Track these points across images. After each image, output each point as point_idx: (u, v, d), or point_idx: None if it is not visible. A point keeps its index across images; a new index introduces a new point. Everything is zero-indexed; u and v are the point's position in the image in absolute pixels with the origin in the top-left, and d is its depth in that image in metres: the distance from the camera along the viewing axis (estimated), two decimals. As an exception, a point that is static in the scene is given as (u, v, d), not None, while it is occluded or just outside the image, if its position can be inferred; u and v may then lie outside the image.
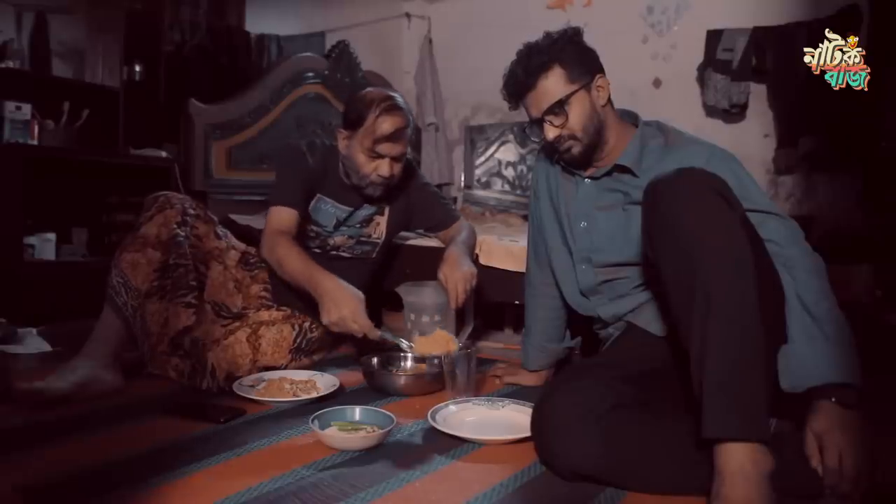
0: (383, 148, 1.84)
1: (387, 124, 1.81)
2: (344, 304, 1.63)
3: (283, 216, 1.86)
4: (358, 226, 2.04)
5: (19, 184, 2.73)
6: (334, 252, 2.04)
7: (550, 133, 1.47)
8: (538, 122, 1.49)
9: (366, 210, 2.03)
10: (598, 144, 1.49)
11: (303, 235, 1.99)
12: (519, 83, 1.47)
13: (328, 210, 1.98)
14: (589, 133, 1.46)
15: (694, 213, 1.08)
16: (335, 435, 1.34)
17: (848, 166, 3.10)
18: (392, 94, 1.90)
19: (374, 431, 1.35)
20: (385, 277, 2.31)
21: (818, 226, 2.99)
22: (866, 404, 1.15)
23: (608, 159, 1.50)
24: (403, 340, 1.72)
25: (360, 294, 1.69)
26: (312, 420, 1.35)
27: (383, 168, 1.86)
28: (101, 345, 1.65)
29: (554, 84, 1.44)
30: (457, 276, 1.83)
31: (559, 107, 1.44)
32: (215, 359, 1.71)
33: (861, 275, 2.00)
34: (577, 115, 1.45)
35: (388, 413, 1.42)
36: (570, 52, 1.45)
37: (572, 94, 1.44)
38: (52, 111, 2.99)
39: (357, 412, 1.44)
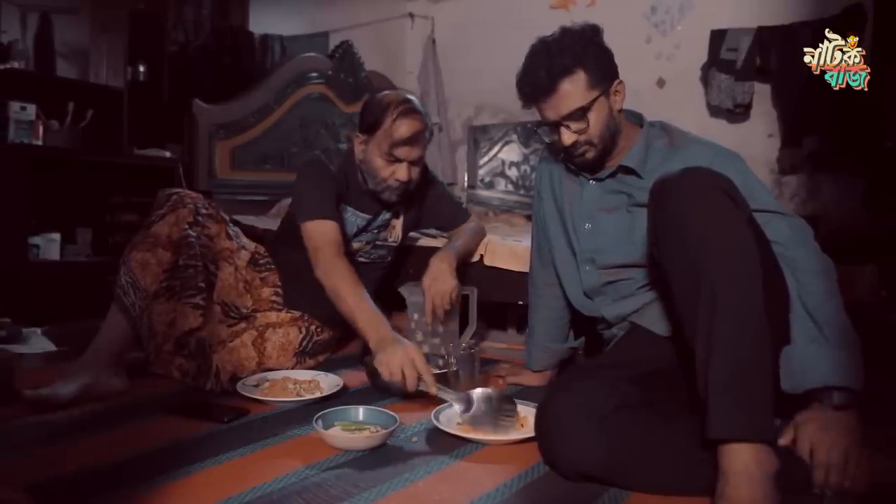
0: (401, 152, 1.80)
1: (404, 128, 1.78)
2: (405, 357, 1.47)
3: (326, 229, 1.77)
4: (375, 231, 2.02)
5: (24, 184, 2.73)
6: (350, 257, 2.03)
7: (568, 139, 1.42)
8: (554, 126, 1.45)
9: (383, 216, 2.01)
10: (611, 150, 1.47)
11: None
12: (539, 85, 1.40)
13: (349, 219, 1.96)
14: (605, 140, 1.43)
15: (700, 213, 1.08)
16: (339, 435, 1.34)
17: (852, 166, 3.09)
18: (409, 96, 1.86)
19: (377, 431, 1.35)
20: (393, 282, 2.31)
21: (822, 226, 2.98)
22: (868, 405, 1.15)
23: (613, 161, 1.49)
24: (452, 397, 1.49)
25: (416, 349, 1.52)
26: (316, 420, 1.35)
27: (401, 172, 1.83)
28: (106, 346, 1.64)
29: (576, 89, 1.38)
30: (433, 291, 1.84)
31: (581, 113, 1.39)
32: (220, 361, 1.71)
33: (865, 275, 2.00)
34: (596, 122, 1.40)
35: (391, 413, 1.42)
36: (592, 54, 1.39)
37: (594, 100, 1.39)
38: (57, 111, 3.00)
39: (360, 412, 1.44)
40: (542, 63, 1.39)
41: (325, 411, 1.41)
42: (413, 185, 1.90)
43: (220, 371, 1.70)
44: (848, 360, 1.14)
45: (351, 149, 1.96)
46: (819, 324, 1.17)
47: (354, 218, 1.96)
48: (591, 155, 1.45)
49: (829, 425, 1.13)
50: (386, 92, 1.92)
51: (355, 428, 1.38)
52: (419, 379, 1.47)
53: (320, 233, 1.76)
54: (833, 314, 1.18)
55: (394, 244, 2.08)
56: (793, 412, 1.19)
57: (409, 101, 1.83)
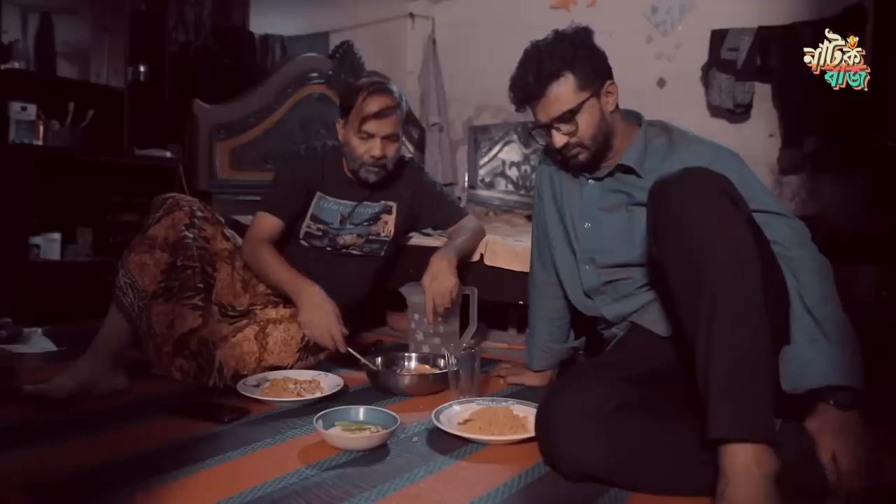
0: (371, 126, 1.88)
1: (373, 104, 1.88)
2: (323, 317, 1.76)
3: (266, 223, 1.96)
4: (366, 224, 2.07)
5: (24, 184, 2.74)
6: (345, 250, 2.07)
7: (558, 141, 1.44)
8: (546, 129, 1.46)
9: (370, 207, 2.06)
10: (605, 151, 1.47)
11: (303, 237, 2.04)
12: (528, 89, 1.43)
13: (330, 207, 2.02)
14: (597, 141, 1.44)
15: (700, 213, 1.08)
16: (339, 435, 1.34)
17: (853, 166, 3.08)
18: (381, 79, 1.98)
19: (378, 431, 1.35)
20: (389, 277, 2.32)
21: (823, 226, 2.97)
22: (869, 404, 1.15)
23: (612, 160, 1.50)
24: (361, 358, 1.79)
25: (336, 309, 1.79)
26: (316, 420, 1.35)
27: (375, 148, 1.90)
28: (105, 346, 1.65)
29: (565, 92, 1.40)
30: (433, 290, 1.86)
31: (569, 116, 1.41)
32: (223, 356, 1.72)
33: (866, 275, 2.00)
34: (586, 123, 1.42)
35: (392, 413, 1.42)
36: (581, 57, 1.41)
37: (583, 102, 1.40)
38: (58, 112, 3.01)
39: (361, 412, 1.44)
40: (532, 67, 1.42)
41: (326, 411, 1.41)
42: (390, 163, 1.97)
43: (223, 367, 1.71)
44: (850, 360, 1.14)
45: (330, 143, 2.10)
46: (819, 323, 1.17)
47: (336, 206, 2.03)
48: (583, 157, 1.46)
49: (843, 429, 1.12)
50: (362, 78, 2.03)
51: (356, 428, 1.38)
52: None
53: (260, 225, 1.95)
54: (833, 313, 1.18)
55: (386, 239, 2.12)
56: (793, 412, 1.19)
57: (379, 82, 1.96)
